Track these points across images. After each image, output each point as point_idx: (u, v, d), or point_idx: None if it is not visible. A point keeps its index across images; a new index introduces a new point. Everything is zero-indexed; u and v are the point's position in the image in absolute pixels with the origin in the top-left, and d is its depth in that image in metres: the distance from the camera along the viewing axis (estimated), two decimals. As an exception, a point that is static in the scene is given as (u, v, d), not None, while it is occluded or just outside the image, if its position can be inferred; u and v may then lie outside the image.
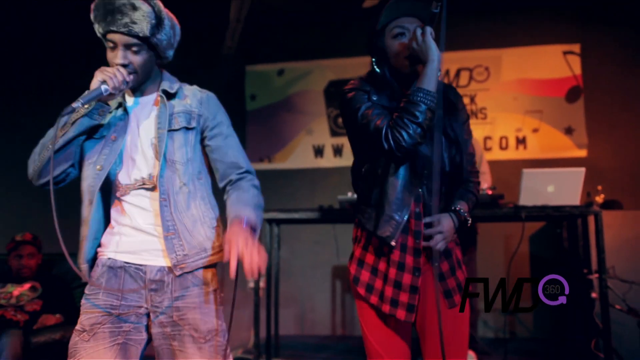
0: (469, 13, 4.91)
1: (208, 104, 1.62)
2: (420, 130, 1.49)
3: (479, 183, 1.75)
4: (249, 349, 3.89)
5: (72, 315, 3.37)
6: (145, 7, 1.45)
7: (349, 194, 3.44)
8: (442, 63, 1.55)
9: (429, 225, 1.58)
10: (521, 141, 4.73)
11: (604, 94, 4.65)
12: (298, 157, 4.96)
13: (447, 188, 1.64)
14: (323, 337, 4.52)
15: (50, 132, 1.52)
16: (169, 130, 1.53)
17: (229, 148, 1.61)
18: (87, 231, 1.55)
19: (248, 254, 1.33)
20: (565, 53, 4.75)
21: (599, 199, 3.91)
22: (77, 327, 1.49)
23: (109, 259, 1.54)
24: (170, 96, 1.59)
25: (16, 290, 3.32)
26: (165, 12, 1.53)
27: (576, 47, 4.73)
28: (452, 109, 1.65)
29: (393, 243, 1.56)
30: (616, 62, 4.66)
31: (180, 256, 1.50)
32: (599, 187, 4.00)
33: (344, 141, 4.93)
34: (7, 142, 5.25)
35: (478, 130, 4.77)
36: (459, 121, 1.66)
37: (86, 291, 1.54)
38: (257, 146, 4.99)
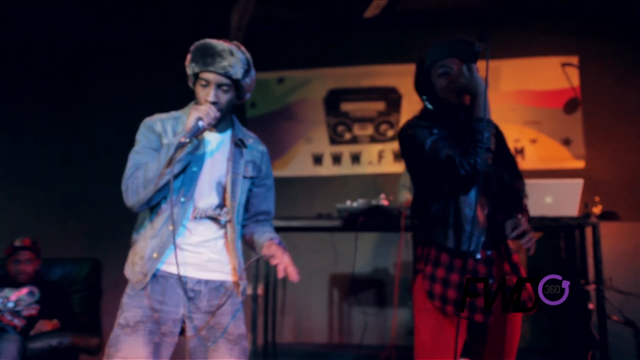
0: (468, 24, 4.94)
1: (267, 160, 1.94)
2: (490, 153, 1.73)
3: (528, 215, 1.90)
4: (245, 357, 3.86)
5: (69, 321, 3.36)
6: (239, 54, 1.70)
7: (348, 203, 3.45)
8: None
9: (513, 227, 1.77)
10: (519, 152, 4.76)
11: (602, 106, 4.67)
12: (297, 165, 4.98)
13: (504, 210, 1.84)
14: (320, 345, 4.51)
15: (154, 166, 1.66)
16: (243, 177, 1.81)
17: (267, 199, 1.93)
18: (158, 247, 1.71)
19: (289, 263, 1.63)
20: (563, 65, 4.78)
21: (597, 210, 3.92)
22: (121, 321, 1.68)
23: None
24: (243, 144, 1.85)
25: (13, 295, 3.31)
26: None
27: (574, 59, 4.77)
28: (501, 139, 1.91)
29: (479, 256, 1.77)
30: (614, 74, 4.69)
31: (238, 278, 1.79)
32: (597, 199, 4.02)
33: (343, 149, 4.95)
34: (6, 147, 5.26)
35: (477, 141, 4.78)
36: (509, 151, 1.93)
37: (129, 292, 1.72)
38: (256, 153, 5.00)
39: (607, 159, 4.58)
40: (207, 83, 1.69)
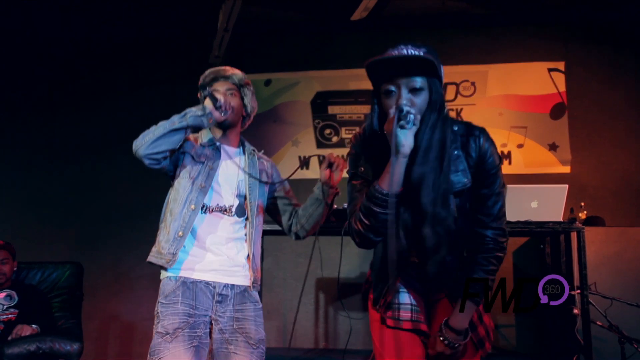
0: (457, 29, 4.95)
1: (276, 169, 2.27)
2: (372, 234, 1.43)
3: (496, 244, 1.53)
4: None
5: (49, 326, 3.29)
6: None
7: (334, 207, 3.42)
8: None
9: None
10: (506, 156, 4.77)
11: (588, 111, 4.70)
12: (284, 168, 4.94)
13: (452, 257, 1.53)
14: (306, 350, 4.47)
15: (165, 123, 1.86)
16: (260, 181, 2.08)
17: (294, 197, 2.27)
18: (181, 227, 1.87)
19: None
20: (550, 70, 4.80)
21: (582, 215, 3.94)
22: (160, 330, 1.79)
23: (181, 276, 1.88)
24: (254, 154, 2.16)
25: (-9, 299, 3.25)
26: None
27: (561, 65, 4.79)
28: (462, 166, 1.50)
29: (390, 323, 1.59)
30: (600, 79, 4.72)
31: (255, 277, 1.97)
32: (582, 204, 4.03)
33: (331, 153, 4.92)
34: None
35: (463, 145, 4.78)
36: (467, 179, 1.49)
37: (163, 300, 1.84)
38: (242, 156, 4.96)
39: (592, 164, 4.61)
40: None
